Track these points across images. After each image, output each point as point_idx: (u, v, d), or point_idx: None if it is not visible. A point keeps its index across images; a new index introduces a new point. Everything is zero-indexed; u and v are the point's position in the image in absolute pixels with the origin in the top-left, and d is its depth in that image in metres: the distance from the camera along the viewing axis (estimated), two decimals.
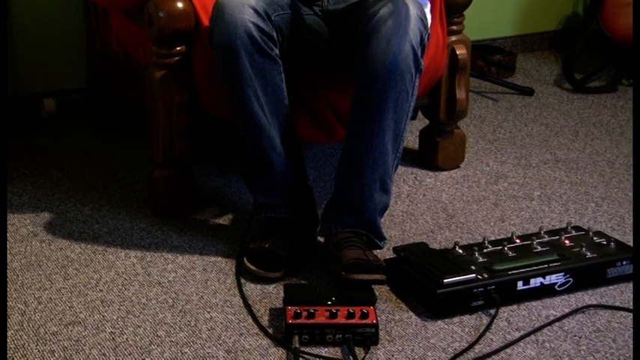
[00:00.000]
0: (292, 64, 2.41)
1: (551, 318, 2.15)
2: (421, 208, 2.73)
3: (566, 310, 2.18)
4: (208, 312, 2.14)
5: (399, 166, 2.44)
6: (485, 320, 2.13)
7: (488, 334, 2.08)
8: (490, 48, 4.03)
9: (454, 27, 2.85)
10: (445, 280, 2.13)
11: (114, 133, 3.21)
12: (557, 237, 2.40)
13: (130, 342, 2.02)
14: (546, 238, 2.39)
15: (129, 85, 2.94)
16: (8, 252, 2.38)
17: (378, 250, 2.36)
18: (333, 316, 2.02)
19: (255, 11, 2.25)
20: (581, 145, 3.25)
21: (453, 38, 2.85)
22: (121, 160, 3.02)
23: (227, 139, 2.92)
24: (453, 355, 2.00)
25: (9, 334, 2.02)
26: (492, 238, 2.41)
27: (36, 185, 2.81)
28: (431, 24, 2.49)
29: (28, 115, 3.30)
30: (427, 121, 3.02)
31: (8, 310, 2.11)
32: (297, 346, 1.99)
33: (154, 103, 2.51)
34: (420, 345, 2.04)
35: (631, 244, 2.42)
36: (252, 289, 2.25)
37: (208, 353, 1.98)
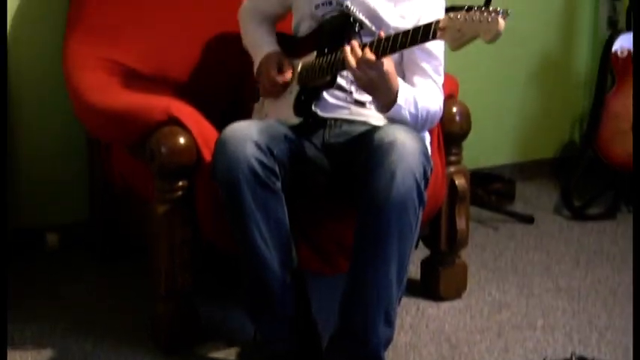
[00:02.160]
0: (293, 196, 2.43)
1: None
2: (424, 340, 2.72)
3: None
4: None
5: None
6: None
7: None
8: (489, 176, 4.06)
9: (452, 157, 2.88)
10: None
11: (116, 266, 3.22)
12: None
13: None
14: None
15: (131, 219, 2.96)
16: None
17: None
18: None
19: (258, 146, 2.29)
20: (582, 273, 3.25)
21: (452, 169, 2.88)
22: (123, 293, 3.01)
23: (229, 269, 2.93)
24: None
25: None
26: None
27: (38, 320, 2.80)
28: (430, 155, 2.52)
29: (31, 248, 3.31)
30: (428, 251, 3.02)
31: None
32: None
33: (156, 237, 2.52)
34: None
35: None
36: None
37: None
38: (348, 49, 2.30)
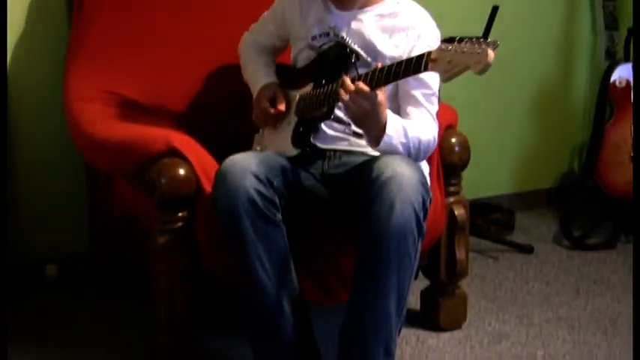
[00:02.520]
0: (292, 226, 2.44)
1: None
2: None
3: None
4: None
5: None
6: None
7: None
8: (488, 206, 4.06)
9: (452, 188, 2.89)
10: None
11: (115, 298, 3.21)
12: None
13: None
14: None
15: (131, 249, 2.96)
16: None
17: None
18: None
19: (257, 177, 2.30)
20: (582, 303, 3.24)
21: (451, 199, 2.88)
22: (124, 323, 3.01)
23: (230, 298, 2.92)
24: None
25: None
26: None
27: (38, 352, 2.79)
28: (429, 186, 2.53)
29: (31, 280, 3.30)
30: (428, 281, 3.02)
31: None
32: None
33: (156, 267, 2.52)
34: None
35: None
36: None
37: None
38: (343, 80, 2.32)
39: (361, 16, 2.56)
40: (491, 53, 2.05)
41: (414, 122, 2.46)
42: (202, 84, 3.04)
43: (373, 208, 2.26)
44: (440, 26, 2.60)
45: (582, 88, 4.31)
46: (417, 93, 2.50)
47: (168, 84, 3.00)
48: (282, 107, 2.61)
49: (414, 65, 2.22)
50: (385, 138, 2.35)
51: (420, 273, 3.10)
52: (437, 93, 2.56)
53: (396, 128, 2.37)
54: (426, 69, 2.18)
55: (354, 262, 2.32)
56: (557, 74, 4.24)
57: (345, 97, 2.30)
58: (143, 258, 2.66)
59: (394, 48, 2.52)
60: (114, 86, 2.91)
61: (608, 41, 4.13)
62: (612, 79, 3.81)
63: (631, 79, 3.77)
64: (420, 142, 2.44)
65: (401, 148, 2.39)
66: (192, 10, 3.09)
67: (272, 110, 2.61)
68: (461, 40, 2.10)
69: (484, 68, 2.06)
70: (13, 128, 3.20)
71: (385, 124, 2.34)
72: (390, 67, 2.27)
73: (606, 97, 3.86)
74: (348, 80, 2.31)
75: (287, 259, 2.38)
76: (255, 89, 2.71)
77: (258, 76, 2.73)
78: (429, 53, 2.17)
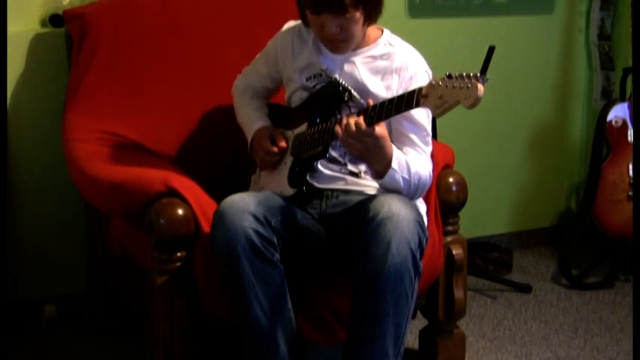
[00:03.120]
0: (291, 266, 2.44)
1: None
2: None
3: None
4: None
5: None
6: None
7: None
8: (486, 245, 4.07)
9: (449, 227, 2.89)
10: None
11: (114, 337, 3.21)
12: None
13: None
14: None
15: (129, 289, 2.96)
16: None
17: None
18: None
19: (255, 218, 2.31)
20: (581, 343, 3.24)
21: (449, 238, 2.89)
22: None
23: (228, 338, 2.92)
24: None
25: None
26: None
27: None
28: (427, 225, 2.54)
29: (28, 320, 3.30)
30: (426, 321, 3.02)
31: None
32: None
33: (154, 307, 2.52)
34: None
35: None
36: None
37: None
38: (339, 119, 2.34)
39: (353, 59, 2.58)
40: (480, 88, 2.07)
41: (415, 160, 2.47)
42: (199, 124, 3.06)
43: (370, 248, 2.27)
44: (433, 68, 2.62)
45: (579, 127, 4.33)
46: (412, 134, 2.51)
47: (166, 124, 3.02)
48: (283, 144, 2.63)
49: (405, 101, 2.24)
50: (390, 172, 2.38)
51: (418, 312, 3.10)
52: (430, 133, 2.57)
53: (400, 162, 2.40)
54: (417, 105, 2.20)
55: (351, 301, 2.33)
56: (553, 113, 4.26)
57: (340, 132, 2.31)
58: (141, 298, 2.65)
59: (386, 90, 2.54)
60: (112, 126, 2.93)
61: (604, 81, 4.17)
62: (609, 118, 3.83)
63: (627, 119, 3.79)
64: (419, 178, 2.46)
65: (402, 184, 2.41)
66: (189, 51, 3.11)
67: (275, 149, 2.62)
68: (450, 76, 2.12)
69: (474, 102, 2.07)
70: (13, 167, 3.21)
71: (391, 157, 2.36)
72: (382, 104, 2.29)
73: (603, 136, 3.87)
74: (345, 119, 2.33)
75: (285, 300, 2.38)
76: (249, 133, 2.73)
77: (251, 120, 2.75)
78: (420, 89, 2.19)
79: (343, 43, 2.53)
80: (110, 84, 3.00)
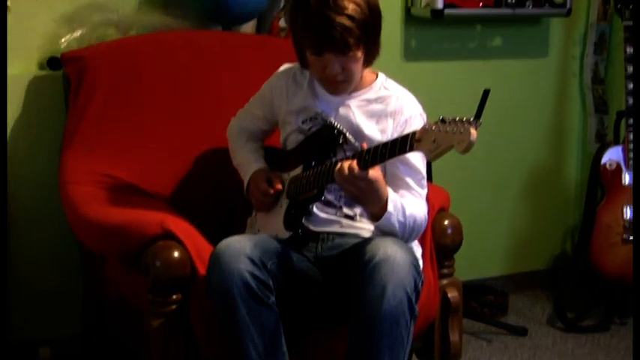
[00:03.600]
0: (286, 309, 2.44)
1: None
2: None
3: None
4: None
5: None
6: None
7: None
8: (482, 288, 4.06)
9: (445, 270, 2.89)
10: None
11: None
12: None
13: None
14: None
15: (125, 331, 2.95)
16: None
17: None
18: None
19: (251, 260, 2.31)
20: None
21: (445, 281, 2.89)
22: None
23: None
24: None
25: None
26: None
27: None
28: (422, 268, 2.55)
29: None
30: None
31: None
32: None
33: (150, 350, 2.52)
34: None
35: None
36: None
37: None
38: (335, 164, 2.36)
39: (348, 102, 2.60)
40: (473, 132, 2.07)
41: (410, 202, 2.48)
42: (195, 167, 3.06)
43: (365, 291, 2.27)
44: (428, 111, 2.64)
45: (573, 170, 4.35)
46: (407, 178, 2.53)
47: (162, 166, 3.02)
48: (279, 186, 2.64)
49: (399, 145, 2.25)
50: (386, 214, 2.39)
51: (414, 355, 3.09)
52: (425, 176, 2.58)
53: (395, 205, 2.41)
54: (411, 149, 2.21)
55: (347, 344, 2.32)
56: (548, 156, 4.28)
57: (338, 177, 2.33)
58: (137, 340, 2.65)
59: (381, 133, 2.56)
60: (109, 169, 2.93)
61: (598, 124, 4.20)
62: (603, 161, 3.85)
63: (621, 162, 3.81)
64: (414, 221, 2.47)
65: (397, 226, 2.42)
66: (185, 93, 3.13)
67: (271, 191, 2.64)
68: (444, 120, 2.14)
69: (467, 147, 2.08)
70: (10, 208, 3.21)
71: (387, 200, 2.38)
72: (377, 147, 2.30)
73: (597, 179, 3.89)
74: (339, 163, 2.35)
75: (280, 342, 2.38)
76: (246, 176, 2.74)
77: (248, 162, 2.76)
78: (414, 133, 2.20)
79: (344, 84, 2.55)
80: (107, 126, 3.01)
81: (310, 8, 2.42)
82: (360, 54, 2.47)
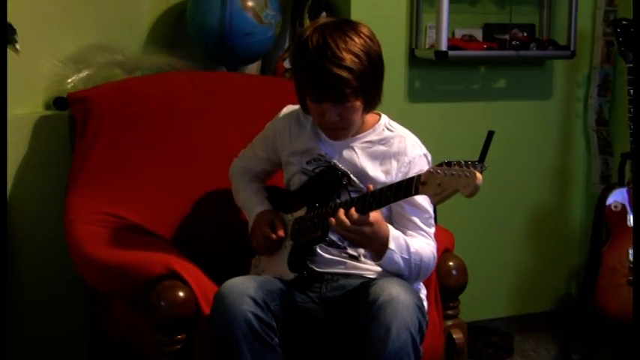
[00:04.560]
0: (290, 350, 2.44)
1: None
2: None
3: None
4: None
5: None
6: None
7: None
8: (486, 329, 4.05)
9: (450, 311, 2.88)
10: None
11: None
12: None
13: None
14: None
15: None
16: None
17: None
18: None
19: (255, 301, 2.31)
20: None
21: (449, 322, 2.88)
22: None
23: None
24: None
25: None
26: None
27: None
28: (427, 310, 2.54)
29: None
30: None
31: None
32: None
33: None
34: None
35: None
36: None
37: None
38: (334, 212, 2.37)
39: (352, 144, 2.60)
40: (479, 176, 2.08)
41: (416, 240, 2.49)
42: (199, 207, 3.07)
43: (370, 332, 2.27)
44: (432, 152, 2.64)
45: (578, 211, 4.35)
46: (414, 217, 2.53)
47: (167, 207, 3.03)
48: (281, 233, 2.64)
49: (404, 189, 2.26)
50: (387, 253, 2.39)
51: None
52: (432, 214, 2.58)
53: (398, 242, 2.41)
54: (417, 192, 2.22)
55: None
56: (552, 198, 4.28)
57: (340, 230, 2.34)
58: None
59: (385, 175, 2.56)
60: (114, 208, 2.94)
61: (603, 166, 4.20)
62: (608, 203, 3.84)
63: (626, 204, 3.81)
64: (421, 259, 2.47)
65: (402, 264, 2.42)
66: (189, 135, 3.14)
67: (274, 236, 2.64)
68: (449, 163, 2.14)
69: (473, 191, 2.08)
70: (14, 247, 3.22)
71: (387, 238, 2.38)
72: (381, 190, 2.31)
73: (602, 220, 3.88)
74: (338, 214, 2.36)
75: None
76: (250, 218, 2.74)
77: (251, 204, 2.76)
78: (419, 177, 2.21)
79: (343, 131, 2.56)
80: (112, 166, 3.02)
81: (308, 58, 2.43)
82: (358, 104, 2.47)
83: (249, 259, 2.80)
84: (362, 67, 2.41)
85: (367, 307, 2.31)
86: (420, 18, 3.78)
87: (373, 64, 2.46)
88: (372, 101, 2.52)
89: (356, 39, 2.43)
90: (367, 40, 2.45)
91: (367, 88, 2.45)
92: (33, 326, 3.29)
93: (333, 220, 2.36)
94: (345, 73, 2.38)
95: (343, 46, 2.40)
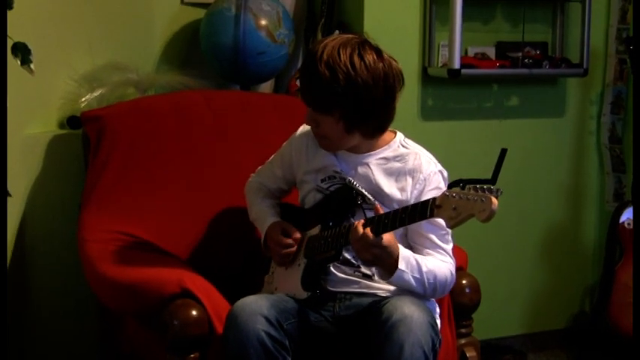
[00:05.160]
0: None
1: None
2: None
3: None
4: None
5: None
6: None
7: None
8: (500, 347, 4.04)
9: (463, 329, 2.88)
10: None
11: None
12: None
13: None
14: None
15: None
16: None
17: None
18: None
19: (268, 320, 2.31)
20: None
21: (463, 341, 2.87)
22: None
23: None
24: None
25: None
26: None
27: None
28: (440, 328, 2.54)
29: None
30: None
31: None
32: None
33: None
34: None
35: None
36: None
37: None
38: (353, 229, 2.37)
39: (367, 160, 2.60)
40: (495, 201, 2.07)
41: (430, 259, 2.49)
42: (212, 226, 3.07)
43: (383, 351, 2.27)
44: (446, 170, 2.64)
45: (592, 229, 4.33)
46: (431, 235, 2.53)
47: (180, 225, 3.03)
48: (297, 235, 2.65)
49: (419, 211, 2.26)
50: (397, 272, 2.39)
51: None
52: (449, 230, 2.58)
53: (408, 262, 2.41)
54: (432, 215, 2.22)
55: None
56: (566, 215, 4.27)
57: (360, 244, 2.35)
58: None
59: (400, 192, 2.56)
60: (127, 227, 2.94)
61: (616, 184, 4.19)
62: (621, 220, 3.84)
63: None
64: (435, 277, 2.46)
65: (414, 283, 2.42)
66: (202, 154, 3.15)
67: (290, 241, 2.64)
68: (464, 185, 2.14)
69: (489, 216, 2.08)
70: (28, 265, 3.23)
71: (397, 258, 2.38)
72: (396, 212, 2.31)
73: (616, 238, 3.88)
74: (356, 230, 2.37)
75: None
76: (262, 229, 2.75)
77: (264, 216, 2.77)
78: (434, 199, 2.21)
79: (323, 140, 2.58)
80: (125, 185, 3.03)
81: (304, 62, 2.53)
82: (331, 119, 2.48)
83: (262, 277, 2.80)
84: (334, 84, 2.41)
85: (380, 326, 2.31)
86: (433, 36, 3.79)
87: (352, 87, 2.42)
88: (355, 124, 2.50)
89: (350, 59, 2.42)
90: (361, 65, 2.43)
91: (344, 106, 2.45)
92: (46, 342, 3.30)
93: (359, 227, 2.36)
94: (316, 78, 2.42)
95: (331, 55, 2.42)
